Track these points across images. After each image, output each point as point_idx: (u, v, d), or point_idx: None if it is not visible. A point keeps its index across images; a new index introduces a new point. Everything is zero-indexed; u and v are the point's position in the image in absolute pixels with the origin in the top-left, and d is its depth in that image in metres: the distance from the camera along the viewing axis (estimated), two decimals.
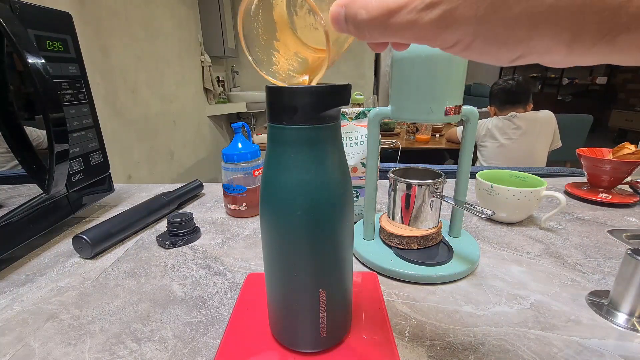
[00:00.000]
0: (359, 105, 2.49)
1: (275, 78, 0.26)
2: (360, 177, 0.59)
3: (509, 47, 0.16)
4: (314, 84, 0.25)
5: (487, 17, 0.15)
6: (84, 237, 0.48)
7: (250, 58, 0.25)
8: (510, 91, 1.64)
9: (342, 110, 0.57)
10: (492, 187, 0.56)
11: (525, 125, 1.58)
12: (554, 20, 0.14)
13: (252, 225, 0.60)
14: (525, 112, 1.62)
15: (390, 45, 0.21)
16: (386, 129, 2.29)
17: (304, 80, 0.25)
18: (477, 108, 0.45)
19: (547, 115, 1.62)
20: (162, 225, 0.60)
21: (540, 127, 1.60)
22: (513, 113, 1.61)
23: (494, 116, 1.70)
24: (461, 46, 0.16)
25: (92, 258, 0.50)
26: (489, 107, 1.76)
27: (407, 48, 0.21)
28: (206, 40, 2.71)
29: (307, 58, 0.25)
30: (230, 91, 3.21)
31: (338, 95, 0.24)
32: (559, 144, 1.68)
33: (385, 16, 0.17)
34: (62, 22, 0.54)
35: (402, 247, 0.47)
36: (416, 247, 0.46)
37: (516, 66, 1.74)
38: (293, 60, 0.25)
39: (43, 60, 0.42)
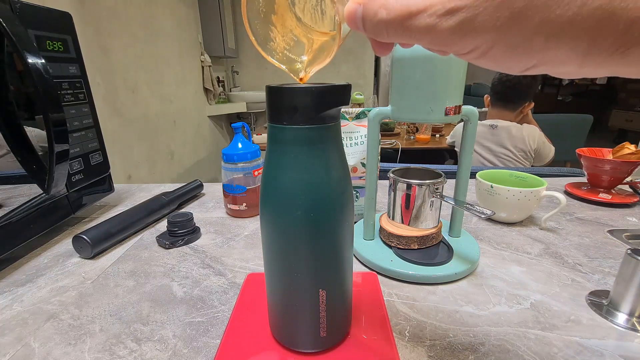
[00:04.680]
0: (359, 105, 2.50)
1: (272, 57, 0.25)
2: (360, 177, 0.59)
3: (524, 56, 0.16)
4: (311, 70, 0.24)
5: (507, 26, 0.15)
6: (84, 237, 0.48)
7: (249, 32, 0.24)
8: (506, 85, 1.40)
9: (342, 110, 0.57)
10: (492, 187, 0.56)
11: (503, 138, 1.40)
12: (572, 32, 0.14)
13: (252, 225, 0.60)
14: (521, 114, 1.44)
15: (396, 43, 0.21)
16: (386, 129, 2.29)
17: (302, 61, 0.25)
18: (477, 108, 0.45)
19: (528, 133, 1.39)
20: (162, 225, 0.60)
21: (517, 145, 1.40)
22: (494, 123, 1.42)
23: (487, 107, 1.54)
24: (477, 53, 0.16)
25: (92, 258, 0.50)
26: (486, 95, 1.56)
27: (412, 46, 0.21)
28: (206, 40, 2.71)
29: (302, 38, 0.24)
30: (230, 91, 3.21)
31: (338, 95, 0.24)
32: (547, 161, 1.47)
33: (406, 18, 0.16)
34: (62, 22, 0.54)
35: (402, 247, 0.47)
36: (416, 247, 0.46)
37: None
38: (289, 39, 0.24)
39: (43, 60, 0.42)
